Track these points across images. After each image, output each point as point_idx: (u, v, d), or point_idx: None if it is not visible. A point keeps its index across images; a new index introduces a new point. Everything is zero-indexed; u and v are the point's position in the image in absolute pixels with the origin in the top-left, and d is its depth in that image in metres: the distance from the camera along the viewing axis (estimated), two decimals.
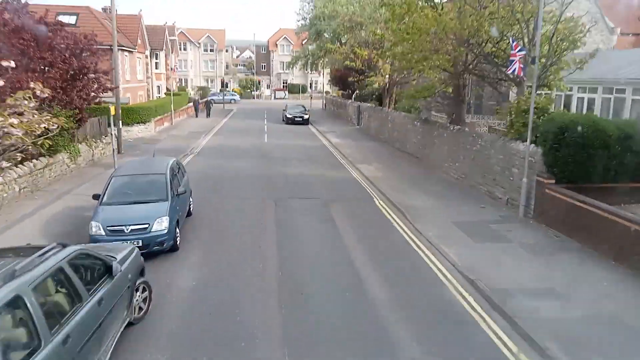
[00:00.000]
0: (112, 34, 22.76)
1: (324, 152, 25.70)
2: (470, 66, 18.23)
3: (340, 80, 42.29)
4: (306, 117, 38.43)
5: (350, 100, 41.24)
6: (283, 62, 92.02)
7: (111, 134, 15.60)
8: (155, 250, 9.81)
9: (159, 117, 32.64)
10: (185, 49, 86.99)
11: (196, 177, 18.14)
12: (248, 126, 37.50)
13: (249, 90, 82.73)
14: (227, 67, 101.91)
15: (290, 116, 38.23)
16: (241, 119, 43.46)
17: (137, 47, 36.83)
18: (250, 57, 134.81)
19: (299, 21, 50.71)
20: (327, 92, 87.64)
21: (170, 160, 12.40)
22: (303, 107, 41.23)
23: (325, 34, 48.43)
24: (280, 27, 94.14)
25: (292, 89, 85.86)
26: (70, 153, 18.09)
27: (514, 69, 13.43)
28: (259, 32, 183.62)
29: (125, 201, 10.40)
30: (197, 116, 41.35)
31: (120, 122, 23.33)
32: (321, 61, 48.77)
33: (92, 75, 18.01)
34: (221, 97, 72.54)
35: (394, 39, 17.67)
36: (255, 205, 14.47)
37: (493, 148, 15.24)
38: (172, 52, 50.28)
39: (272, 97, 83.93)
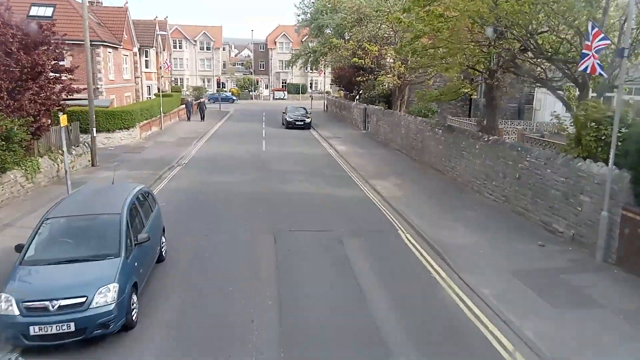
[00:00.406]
0: (84, 20, 19.50)
1: (330, 163, 22.51)
2: (514, 60, 15.10)
3: (343, 80, 39.05)
4: (308, 120, 35.22)
5: (355, 102, 38.07)
6: (282, 61, 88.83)
7: (63, 150, 12.30)
8: (96, 334, 6.62)
9: (145, 122, 29.42)
10: (180, 47, 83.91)
11: (179, 197, 14.99)
12: (245, 130, 34.29)
13: (247, 91, 79.50)
14: (224, 66, 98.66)
15: (290, 120, 35.01)
16: (238, 122, 40.27)
17: (122, 43, 33.62)
18: (248, 56, 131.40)
19: (299, 16, 47.58)
20: (327, 93, 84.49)
21: (133, 189, 9.18)
22: (304, 109, 38.01)
23: (328, 30, 45.25)
24: (279, 24, 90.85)
25: (292, 89, 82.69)
26: (26, 170, 14.89)
27: (587, 66, 10.24)
28: (257, 30, 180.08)
29: (57, 258, 7.20)
30: (189, 119, 38.07)
31: (95, 129, 20.11)
32: (323, 59, 45.54)
33: (52, 75, 14.77)
34: (224, 96, 69.86)
35: (424, 27, 14.40)
36: (249, 242, 11.29)
37: (549, 167, 12.04)
38: (164, 49, 47.07)
39: (271, 98, 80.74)
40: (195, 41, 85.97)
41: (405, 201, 14.92)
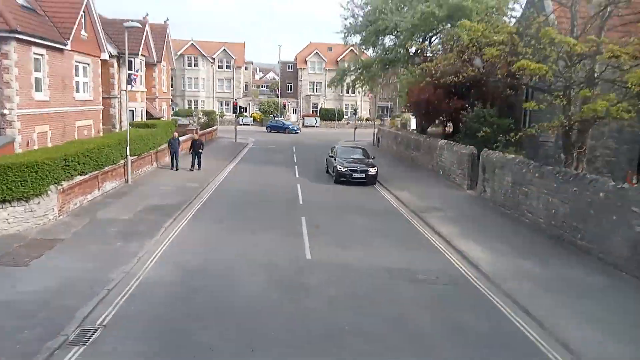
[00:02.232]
0: None
1: (520, 350, 8.13)
2: None
3: (427, 106, 24.92)
4: (373, 172, 21.00)
5: (444, 141, 23.78)
6: (313, 82, 76.00)
7: None
8: None
9: (82, 178, 15.71)
10: (195, 65, 71.92)
11: None
12: (265, 190, 20.18)
13: (272, 116, 66.30)
14: (246, 87, 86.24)
15: (344, 170, 20.81)
16: (255, 169, 26.26)
17: (74, 43, 20.41)
18: (274, 79, 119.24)
19: (346, 19, 33.92)
20: (367, 120, 70.78)
21: None
22: (363, 150, 23.88)
23: (389, 38, 31.71)
24: (310, 41, 78.24)
25: (325, 114, 69.21)
26: None
27: None
28: (285, 51, 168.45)
29: None
30: (175, 166, 23.05)
31: None
32: (383, 76, 31.72)
33: None
34: (281, 124, 56.22)
35: None
36: None
37: None
38: (159, 61, 33.99)
39: (300, 125, 67.34)
40: (214, 59, 73.81)
41: None
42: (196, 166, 23.06)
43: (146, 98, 32.43)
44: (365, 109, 77.83)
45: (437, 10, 23.63)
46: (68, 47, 19.96)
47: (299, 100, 75.93)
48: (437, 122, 27.66)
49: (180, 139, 25.18)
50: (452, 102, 23.16)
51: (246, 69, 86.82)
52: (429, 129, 31.98)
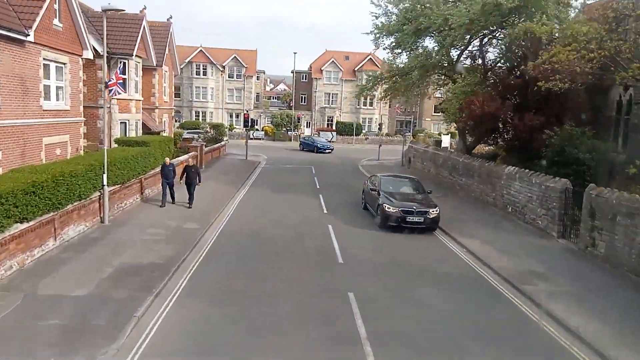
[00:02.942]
0: None
1: None
2: None
3: (491, 122, 19.57)
4: (434, 214, 15.51)
5: (514, 168, 18.38)
6: (329, 94, 71.13)
7: None
8: None
9: (26, 227, 10.61)
10: (204, 74, 67.37)
11: None
12: (286, 234, 14.91)
13: (284, 130, 61.38)
14: (257, 98, 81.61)
15: (394, 211, 15.20)
16: (269, 198, 21.03)
17: (34, 34, 15.43)
18: (285, 90, 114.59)
19: (377, 18, 28.81)
20: (388, 135, 65.65)
21: None
22: (413, 181, 18.45)
23: (428, 40, 26.76)
24: (326, 49, 73.47)
25: (342, 128, 64.07)
26: None
27: None
28: (298, 61, 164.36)
29: None
30: (171, 197, 17.56)
31: None
32: (421, 84, 26.57)
33: None
34: (311, 142, 46.40)
35: None
36: None
37: None
38: (160, 64, 29.15)
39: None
40: (224, 67, 69.18)
41: None
42: (188, 202, 17.43)
43: (143, 108, 27.54)
44: (384, 123, 72.95)
45: (504, 0, 18.59)
46: (31, 39, 15.03)
47: (313, 113, 71.01)
48: (497, 142, 22.19)
49: (177, 160, 20.01)
50: (526, 119, 17.88)
51: (257, 78, 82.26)
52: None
